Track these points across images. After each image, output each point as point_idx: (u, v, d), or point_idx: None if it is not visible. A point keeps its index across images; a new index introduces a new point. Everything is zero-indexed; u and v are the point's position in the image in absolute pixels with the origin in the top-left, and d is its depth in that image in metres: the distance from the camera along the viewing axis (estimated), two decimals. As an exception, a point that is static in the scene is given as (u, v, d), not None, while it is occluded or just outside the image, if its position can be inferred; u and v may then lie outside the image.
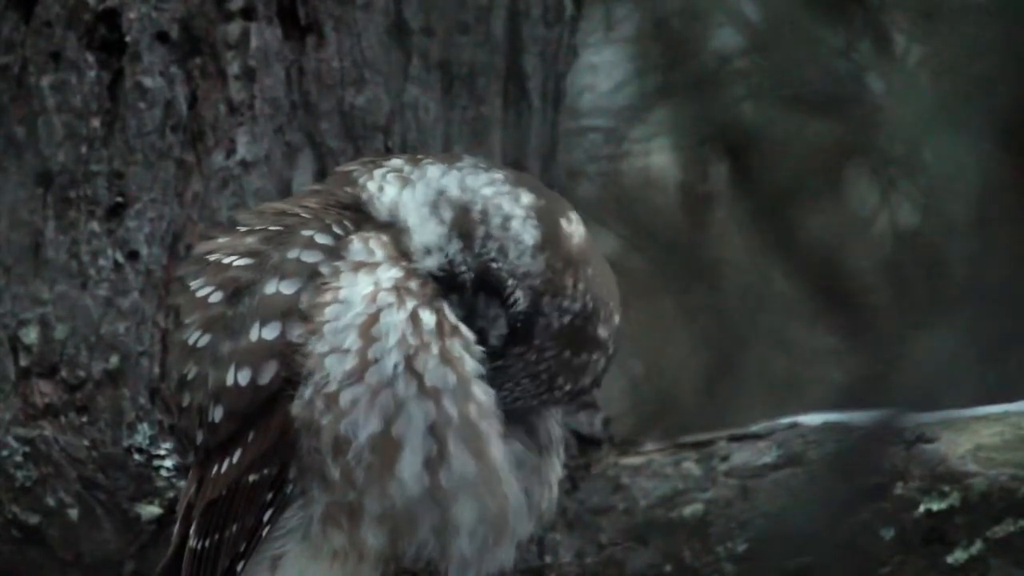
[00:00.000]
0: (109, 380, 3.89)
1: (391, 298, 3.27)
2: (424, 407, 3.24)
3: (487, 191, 3.34)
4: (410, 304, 3.27)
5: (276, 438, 3.30)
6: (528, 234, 3.31)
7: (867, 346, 5.23)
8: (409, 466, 3.24)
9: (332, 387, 3.25)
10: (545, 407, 3.37)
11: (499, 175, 3.37)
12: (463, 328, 3.30)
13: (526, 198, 3.33)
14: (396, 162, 3.43)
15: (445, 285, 3.32)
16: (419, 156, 3.45)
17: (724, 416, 4.90)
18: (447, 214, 3.33)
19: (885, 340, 5.10)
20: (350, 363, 3.25)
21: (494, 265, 3.31)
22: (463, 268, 3.32)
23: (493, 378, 3.30)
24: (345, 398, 3.25)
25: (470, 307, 3.32)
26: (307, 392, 3.26)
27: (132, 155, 3.94)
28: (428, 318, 3.27)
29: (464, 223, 3.32)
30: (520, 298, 3.29)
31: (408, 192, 3.37)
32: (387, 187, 3.38)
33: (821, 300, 5.46)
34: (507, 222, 3.32)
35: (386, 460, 3.24)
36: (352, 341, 3.26)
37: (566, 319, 3.29)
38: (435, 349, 3.26)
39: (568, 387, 3.32)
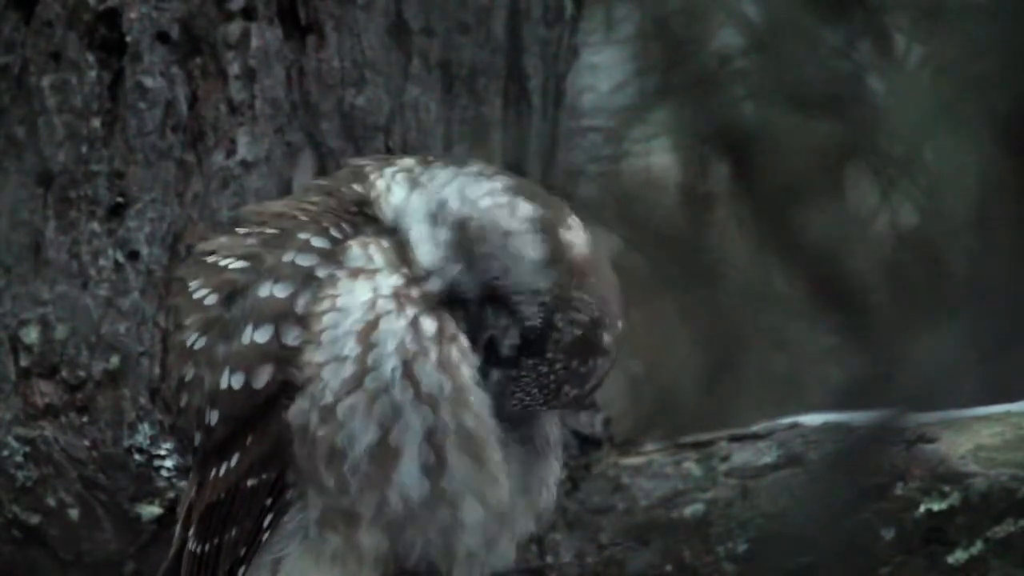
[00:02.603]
0: (109, 380, 3.89)
1: (391, 305, 3.25)
2: (421, 413, 3.23)
3: (484, 202, 3.30)
4: (411, 311, 3.25)
5: (273, 443, 3.28)
6: (531, 249, 3.28)
7: (867, 346, 5.22)
8: (408, 473, 3.23)
9: (328, 399, 3.24)
10: (549, 412, 3.37)
11: (499, 184, 3.33)
12: (462, 337, 3.28)
13: (523, 209, 3.29)
14: (407, 162, 3.39)
15: (450, 301, 3.29)
16: (429, 157, 3.42)
17: (724, 416, 4.90)
18: (442, 235, 3.30)
19: (885, 340, 5.09)
20: (348, 370, 3.23)
21: (498, 283, 3.28)
22: (467, 289, 3.29)
23: (504, 387, 3.30)
24: (342, 408, 3.23)
25: (477, 320, 3.30)
26: (303, 403, 3.25)
27: (132, 155, 3.94)
28: (429, 325, 3.26)
29: (462, 243, 3.29)
30: (531, 314, 3.27)
31: (416, 196, 3.34)
32: (396, 187, 3.35)
33: (821, 300, 5.46)
34: (506, 239, 3.29)
35: (384, 469, 3.23)
36: (351, 348, 3.24)
37: (577, 332, 3.27)
38: (433, 355, 3.24)
39: (574, 393, 3.30)
